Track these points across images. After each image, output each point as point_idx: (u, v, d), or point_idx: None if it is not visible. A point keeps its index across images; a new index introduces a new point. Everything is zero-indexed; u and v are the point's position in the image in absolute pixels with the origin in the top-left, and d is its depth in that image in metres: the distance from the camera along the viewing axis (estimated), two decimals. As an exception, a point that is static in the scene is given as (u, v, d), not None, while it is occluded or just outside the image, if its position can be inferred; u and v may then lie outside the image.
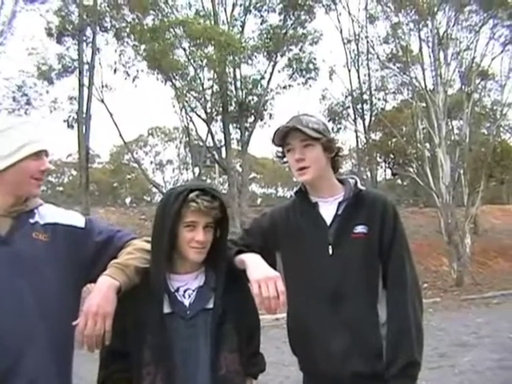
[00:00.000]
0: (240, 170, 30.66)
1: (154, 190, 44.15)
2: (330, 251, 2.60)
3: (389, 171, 35.27)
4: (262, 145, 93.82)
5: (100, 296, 2.16)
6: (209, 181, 34.21)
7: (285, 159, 2.76)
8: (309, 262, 2.63)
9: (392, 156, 27.51)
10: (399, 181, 41.83)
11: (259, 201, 51.90)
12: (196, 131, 26.41)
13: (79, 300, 2.39)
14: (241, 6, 26.45)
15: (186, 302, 2.34)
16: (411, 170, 25.66)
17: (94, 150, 40.09)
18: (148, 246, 2.41)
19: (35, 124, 2.38)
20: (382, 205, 2.66)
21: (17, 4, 18.12)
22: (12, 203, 2.27)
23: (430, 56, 24.08)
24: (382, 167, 36.24)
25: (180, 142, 44.51)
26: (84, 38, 24.73)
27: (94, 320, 2.11)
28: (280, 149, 2.75)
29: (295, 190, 2.82)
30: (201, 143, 26.57)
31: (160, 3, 23.87)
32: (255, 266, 2.37)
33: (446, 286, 20.63)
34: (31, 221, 2.31)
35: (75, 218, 2.45)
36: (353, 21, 29.01)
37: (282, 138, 2.68)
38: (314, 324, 2.60)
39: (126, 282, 2.25)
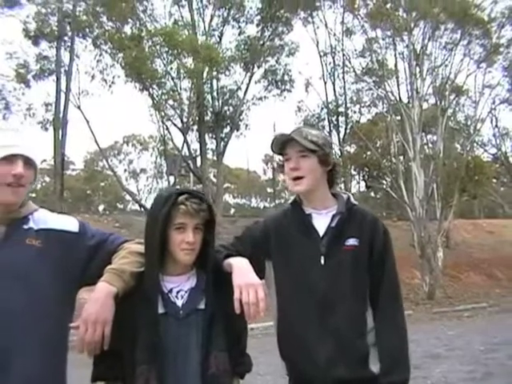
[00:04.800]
0: (214, 180, 30.62)
1: (128, 197, 44.05)
2: (322, 261, 2.68)
3: (363, 184, 35.54)
4: (236, 155, 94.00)
5: (99, 303, 2.21)
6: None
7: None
8: (300, 270, 2.70)
9: (366, 169, 27.71)
10: (372, 193, 42.10)
11: (232, 211, 51.84)
12: (172, 140, 26.35)
13: (73, 303, 2.45)
14: (219, 16, 26.48)
15: (179, 303, 2.40)
16: (385, 183, 25.85)
17: (68, 156, 39.81)
18: (141, 249, 2.44)
19: (13, 130, 2.39)
20: (372, 221, 2.78)
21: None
22: (2, 210, 2.29)
23: (405, 70, 24.37)
24: (355, 180, 36.57)
25: (154, 150, 44.39)
26: (62, 44, 24.62)
27: (93, 327, 2.17)
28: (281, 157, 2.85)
29: (290, 200, 2.90)
30: (176, 152, 26.48)
31: (139, 12, 23.81)
32: (240, 271, 2.42)
33: (418, 299, 20.75)
34: (25, 227, 2.33)
35: (69, 223, 2.47)
36: (329, 34, 29.18)
37: (281, 147, 2.78)
38: (302, 331, 2.66)
39: (123, 287, 2.29)
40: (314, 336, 2.64)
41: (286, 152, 2.79)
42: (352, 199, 2.82)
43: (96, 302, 2.22)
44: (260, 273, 2.59)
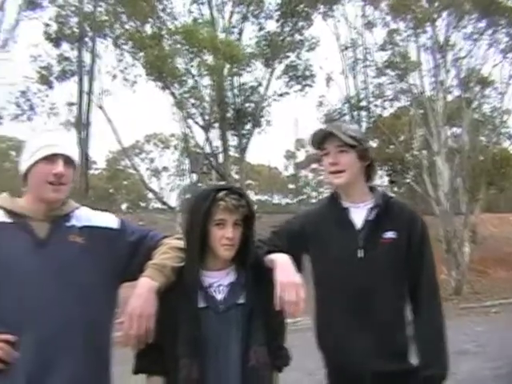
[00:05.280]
0: (236, 177, 30.56)
1: (150, 195, 44.10)
2: (360, 254, 2.71)
3: (386, 178, 35.24)
4: (257, 152, 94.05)
5: (142, 298, 2.29)
6: (205, 191, 33.85)
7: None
8: (338, 264, 2.73)
9: (389, 163, 27.45)
10: (396, 188, 41.78)
11: (255, 207, 51.75)
12: (194, 138, 26.35)
13: (116, 299, 2.53)
14: (238, 13, 26.41)
15: (219, 297, 2.45)
16: (409, 177, 25.59)
17: (90, 156, 40.00)
18: (181, 244, 2.50)
19: (54, 130, 2.52)
20: (409, 213, 2.82)
21: (20, 13, 18.17)
22: (45, 208, 2.37)
23: (428, 63, 24.09)
24: (378, 174, 36.26)
25: (175, 149, 44.46)
26: (83, 44, 24.78)
27: (138, 322, 2.25)
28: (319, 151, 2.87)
29: (327, 194, 2.95)
30: (198, 150, 26.47)
31: (158, 11, 23.78)
32: (282, 268, 2.42)
33: (445, 295, 20.48)
34: (67, 224, 2.41)
35: (110, 220, 2.56)
36: (350, 27, 28.93)
37: (320, 142, 2.78)
38: (341, 323, 2.70)
39: (164, 282, 2.36)
40: (353, 329, 2.66)
41: (324, 147, 2.80)
42: (388, 192, 2.88)
43: (139, 297, 2.29)
44: (298, 266, 2.59)
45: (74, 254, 2.35)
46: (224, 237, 2.43)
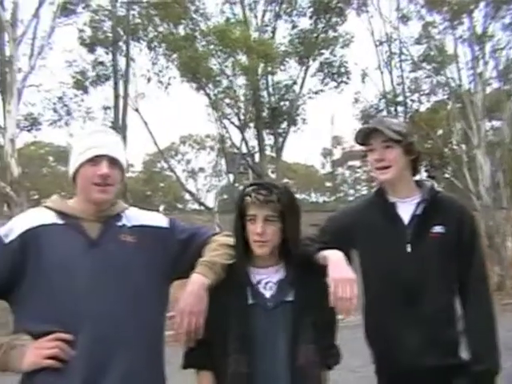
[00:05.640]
0: (273, 176, 30.54)
1: (187, 197, 44.38)
2: (408, 249, 2.68)
3: (424, 174, 34.88)
4: (293, 150, 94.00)
5: (193, 295, 2.32)
6: (241, 187, 34.06)
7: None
8: (387, 259, 2.71)
9: (428, 158, 27.12)
10: (435, 183, 41.36)
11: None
12: (230, 138, 26.41)
13: (167, 297, 2.55)
14: (271, 11, 26.39)
15: (268, 294, 2.44)
16: (448, 172, 25.28)
17: (127, 159, 40.48)
18: (230, 241, 2.53)
19: (100, 132, 2.50)
20: (459, 207, 2.80)
21: (55, 20, 18.42)
22: (95, 209, 2.40)
23: (465, 55, 23.74)
24: (417, 170, 35.83)
25: (211, 149, 44.65)
26: (117, 48, 25.06)
27: (189, 318, 2.29)
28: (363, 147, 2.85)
29: (374, 189, 2.92)
30: (235, 150, 26.53)
31: (191, 12, 23.87)
32: (336, 265, 2.39)
33: (489, 290, 20.21)
34: (118, 224, 2.44)
35: (160, 219, 2.59)
36: (384, 22, 28.63)
37: (365, 137, 2.76)
38: (390, 319, 2.69)
39: (215, 279, 2.39)
40: (403, 324, 2.64)
41: (369, 143, 2.77)
42: (436, 187, 2.81)
43: (191, 293, 2.33)
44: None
45: (126, 253, 2.38)
46: (254, 232, 2.42)
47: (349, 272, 2.38)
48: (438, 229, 2.70)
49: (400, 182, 2.78)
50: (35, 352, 2.20)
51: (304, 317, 2.41)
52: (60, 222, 2.37)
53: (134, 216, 2.52)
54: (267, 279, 2.46)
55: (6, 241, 2.29)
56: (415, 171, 2.86)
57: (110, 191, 2.40)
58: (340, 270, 2.37)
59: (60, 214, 2.38)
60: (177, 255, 2.51)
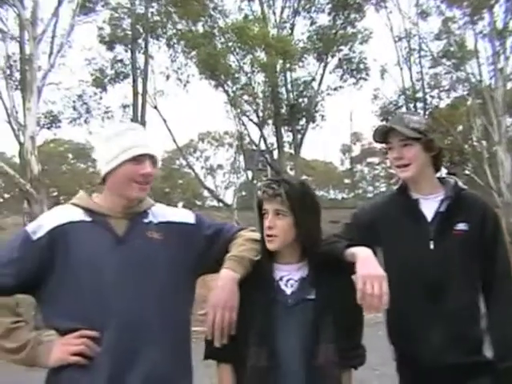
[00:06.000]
0: (291, 173, 30.53)
1: (206, 194, 44.50)
2: (431, 246, 2.67)
3: (444, 170, 34.61)
4: (312, 147, 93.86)
5: (226, 290, 2.32)
6: (259, 184, 34.07)
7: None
8: (409, 255, 2.70)
9: (448, 155, 26.96)
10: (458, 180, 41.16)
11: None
12: (248, 135, 26.43)
13: (193, 293, 2.55)
14: (290, 8, 26.37)
15: (288, 291, 2.42)
16: (468, 168, 25.10)
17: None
18: (257, 236, 2.51)
19: (141, 130, 2.50)
20: (482, 205, 2.77)
21: (74, 18, 18.54)
22: (124, 206, 2.41)
23: (486, 50, 23.54)
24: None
25: (230, 146, 44.72)
26: (136, 46, 25.19)
27: (222, 313, 2.28)
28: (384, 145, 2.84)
29: (396, 186, 2.88)
30: (253, 147, 26.55)
31: (210, 9, 23.91)
32: (364, 262, 2.35)
33: (510, 288, 20.02)
34: (145, 221, 2.44)
35: (186, 215, 2.59)
36: (403, 17, 28.46)
37: (383, 136, 2.75)
38: (413, 316, 2.67)
39: (244, 274, 2.39)
40: (425, 322, 2.63)
41: (388, 141, 2.75)
42: (460, 184, 2.77)
43: (223, 288, 2.33)
44: None
45: (153, 249, 2.38)
46: (265, 227, 2.41)
47: (378, 269, 2.34)
48: (461, 226, 2.68)
49: (422, 179, 2.77)
50: (62, 348, 2.22)
51: (325, 316, 2.38)
52: (88, 219, 2.38)
53: (161, 212, 2.52)
54: (289, 276, 2.45)
55: (35, 238, 2.30)
56: (437, 168, 2.83)
57: (147, 189, 2.44)
58: (368, 266, 2.33)
59: (87, 211, 2.40)
60: (203, 251, 2.51)
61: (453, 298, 2.61)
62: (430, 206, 2.73)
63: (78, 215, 2.38)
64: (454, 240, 2.67)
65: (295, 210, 2.40)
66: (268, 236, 2.40)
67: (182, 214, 2.58)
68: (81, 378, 2.20)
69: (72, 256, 2.29)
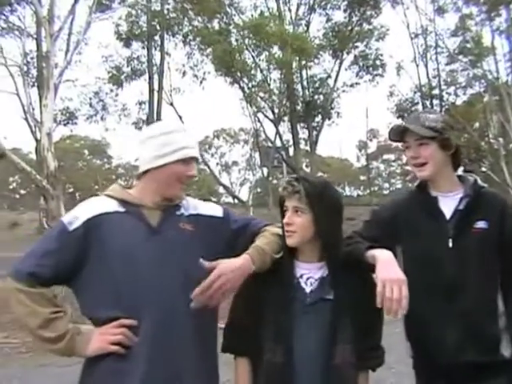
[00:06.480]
0: (307, 169, 30.49)
1: (221, 190, 44.61)
2: (450, 244, 2.64)
3: (461, 167, 34.44)
4: (327, 143, 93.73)
5: (234, 273, 2.30)
6: (275, 181, 34.17)
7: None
8: (428, 253, 2.67)
9: (464, 152, 26.83)
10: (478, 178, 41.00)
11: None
12: (264, 132, 26.44)
13: None
14: (305, 5, 26.34)
15: (307, 289, 2.42)
16: (485, 165, 24.97)
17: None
18: (281, 232, 2.51)
19: (190, 132, 2.55)
20: (501, 203, 2.74)
21: (90, 15, 18.62)
22: (159, 199, 2.44)
23: (503, 47, 23.39)
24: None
25: (245, 143, 44.77)
26: (153, 43, 25.28)
27: (220, 284, 2.25)
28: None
29: (416, 183, 2.85)
30: (269, 144, 26.56)
31: (225, 6, 23.93)
32: (384, 265, 2.35)
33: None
34: (177, 213, 2.48)
35: (215, 208, 2.62)
36: (420, 14, 28.32)
37: (399, 135, 2.74)
38: (430, 314, 2.64)
39: (261, 265, 2.38)
40: (443, 319, 2.61)
41: (405, 140, 2.73)
42: (479, 181, 2.73)
43: (233, 270, 2.31)
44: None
45: (185, 240, 2.42)
46: (284, 223, 2.42)
47: (398, 272, 2.32)
48: (480, 224, 2.65)
49: (440, 177, 2.74)
50: (100, 338, 2.26)
51: (343, 317, 2.38)
52: (122, 209, 2.42)
53: (191, 205, 2.57)
54: (309, 275, 2.45)
55: (71, 228, 2.34)
56: (456, 166, 2.79)
57: (185, 189, 2.50)
58: (389, 269, 2.32)
59: (122, 202, 2.44)
60: (230, 243, 2.53)
61: (471, 296, 2.59)
62: (449, 204, 2.71)
63: (113, 206, 2.42)
64: (472, 238, 2.64)
65: (314, 207, 2.40)
66: (286, 231, 2.42)
67: (210, 207, 2.62)
68: (120, 367, 2.24)
69: (107, 246, 2.33)
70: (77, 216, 2.38)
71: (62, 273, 2.33)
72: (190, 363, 2.32)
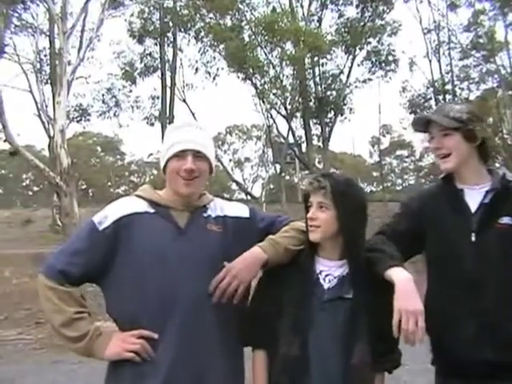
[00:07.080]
0: (320, 166, 30.45)
1: (234, 187, 44.58)
2: (473, 238, 2.59)
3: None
4: (340, 139, 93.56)
5: (245, 263, 2.37)
6: (288, 177, 34.13)
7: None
8: (450, 246, 2.64)
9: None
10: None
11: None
12: (277, 128, 26.43)
13: (249, 285, 2.53)
14: (317, 1, 26.28)
15: (325, 286, 2.43)
16: (498, 161, 24.84)
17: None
18: (304, 227, 2.51)
19: (196, 127, 2.56)
20: None
21: (103, 12, 18.68)
22: (183, 200, 2.47)
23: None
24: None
25: (258, 139, 44.74)
26: (165, 40, 25.32)
27: (229, 280, 2.32)
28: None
29: (441, 175, 2.81)
30: (281, 140, 26.54)
31: (238, 3, 23.90)
32: (403, 294, 2.31)
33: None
34: (205, 214, 2.52)
35: (241, 209, 2.65)
36: (433, 9, 28.17)
37: (424, 126, 2.73)
38: (450, 308, 2.61)
39: (275, 257, 2.42)
40: (462, 314, 2.57)
41: (429, 131, 2.70)
42: (509, 176, 2.65)
43: (244, 260, 2.37)
44: (418, 248, 2.70)
45: (212, 241, 2.45)
46: (308, 218, 2.44)
47: (416, 303, 2.29)
48: (506, 219, 2.59)
49: (466, 169, 2.69)
50: (119, 344, 2.30)
51: (361, 317, 2.38)
52: (151, 210, 2.46)
53: (219, 206, 2.59)
54: (328, 272, 2.46)
55: (101, 228, 2.38)
56: (485, 158, 2.74)
57: (195, 184, 2.46)
58: (406, 299, 2.29)
59: (151, 202, 2.48)
60: (257, 242, 2.52)
61: (491, 292, 2.55)
62: (474, 197, 2.66)
63: (142, 206, 2.46)
64: (496, 233, 2.59)
65: (338, 203, 2.42)
66: (310, 226, 2.43)
67: (237, 209, 2.64)
68: (144, 369, 2.28)
69: (135, 246, 2.37)
70: (107, 215, 2.42)
71: (92, 271, 2.37)
72: (215, 363, 2.34)
